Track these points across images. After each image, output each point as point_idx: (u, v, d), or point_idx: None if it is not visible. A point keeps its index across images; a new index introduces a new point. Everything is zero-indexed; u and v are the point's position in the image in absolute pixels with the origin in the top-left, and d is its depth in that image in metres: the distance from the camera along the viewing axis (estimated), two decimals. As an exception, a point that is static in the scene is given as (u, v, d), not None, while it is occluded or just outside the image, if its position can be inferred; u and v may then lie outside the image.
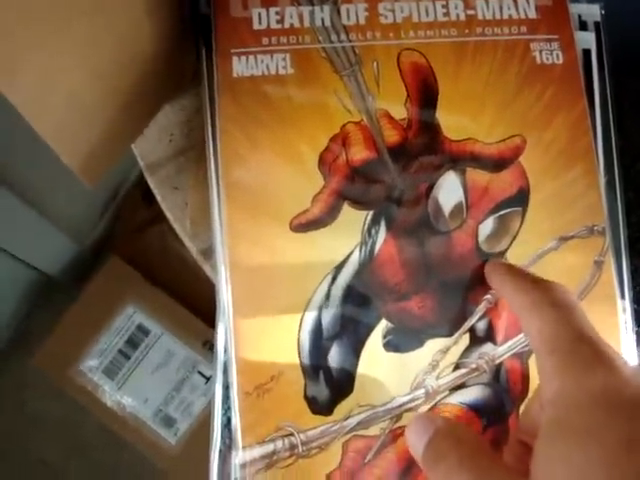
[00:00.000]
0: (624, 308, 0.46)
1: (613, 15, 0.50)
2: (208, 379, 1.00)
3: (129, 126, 0.50)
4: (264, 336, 0.44)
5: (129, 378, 1.02)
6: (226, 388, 0.44)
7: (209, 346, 0.99)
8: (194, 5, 0.49)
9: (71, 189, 0.87)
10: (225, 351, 0.44)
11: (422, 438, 0.34)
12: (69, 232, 1.04)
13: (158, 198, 0.54)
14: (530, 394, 0.44)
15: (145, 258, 1.02)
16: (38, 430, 1.08)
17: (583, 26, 0.50)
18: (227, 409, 0.44)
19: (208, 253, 0.52)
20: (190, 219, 0.52)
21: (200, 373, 1.01)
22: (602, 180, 0.48)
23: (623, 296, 0.46)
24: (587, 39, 0.50)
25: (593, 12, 0.51)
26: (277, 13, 0.47)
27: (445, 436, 0.34)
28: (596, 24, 0.50)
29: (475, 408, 0.44)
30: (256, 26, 0.47)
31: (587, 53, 0.50)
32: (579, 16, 0.50)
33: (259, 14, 0.47)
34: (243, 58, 0.46)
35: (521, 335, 0.45)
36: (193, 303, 1.00)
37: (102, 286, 1.02)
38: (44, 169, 0.82)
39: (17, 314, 1.08)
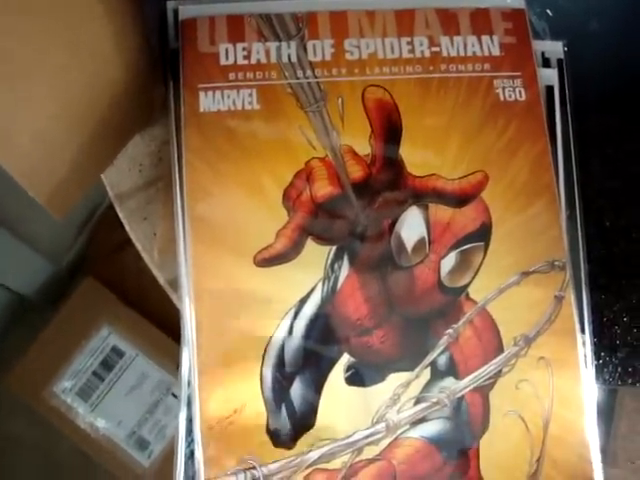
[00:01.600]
0: (584, 342, 0.47)
1: (576, 52, 0.51)
2: (182, 401, 1.00)
3: (98, 158, 0.51)
4: (227, 369, 0.44)
5: (103, 400, 1.01)
6: (189, 421, 0.44)
7: (183, 368, 0.99)
8: (163, 38, 0.49)
9: (44, 211, 0.87)
10: (189, 384, 0.45)
11: None
12: (44, 253, 1.04)
13: (127, 228, 0.54)
14: (490, 428, 0.45)
15: (120, 280, 1.02)
16: (11, 451, 1.08)
17: (546, 63, 0.51)
18: (190, 442, 0.44)
19: (175, 283, 0.52)
20: (158, 249, 0.53)
21: (174, 395, 1.00)
22: (563, 215, 0.48)
23: (583, 330, 0.47)
24: (550, 76, 0.51)
25: (556, 49, 0.51)
26: (244, 49, 0.48)
27: None
28: (559, 61, 0.51)
29: (435, 442, 0.44)
30: (223, 61, 0.47)
31: (550, 90, 0.51)
32: (542, 53, 0.51)
33: (226, 49, 0.47)
34: (210, 93, 0.47)
35: (482, 369, 0.45)
36: (168, 325, 0.99)
37: (77, 307, 1.02)
38: (18, 192, 0.82)
39: (-9, 335, 1.07)
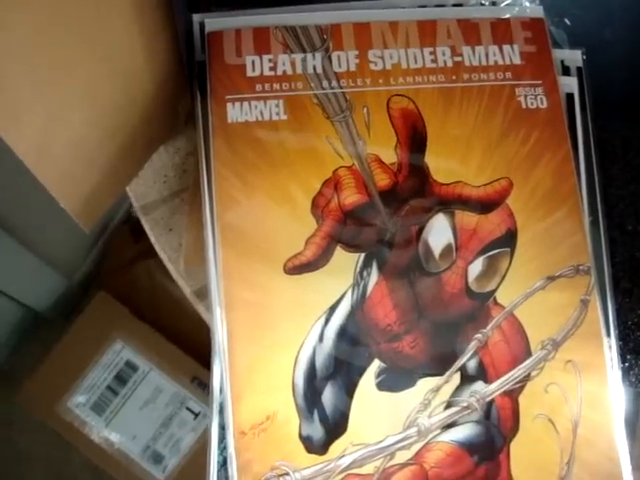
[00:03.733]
0: (610, 345, 0.47)
1: (594, 60, 0.52)
2: (197, 415, 1.00)
3: (126, 169, 0.51)
4: (259, 376, 0.45)
5: (117, 414, 1.01)
6: (222, 428, 0.45)
7: (197, 382, 0.99)
8: (190, 51, 0.50)
9: (60, 225, 0.87)
10: (221, 391, 0.45)
11: None
12: (58, 268, 1.04)
13: (152, 239, 0.54)
14: (520, 431, 0.45)
15: (133, 294, 1.02)
16: (25, 466, 1.08)
17: (566, 71, 0.52)
18: (223, 449, 0.45)
19: (202, 294, 0.52)
20: (184, 260, 0.53)
21: (188, 409, 1.00)
22: (587, 220, 0.49)
23: (609, 334, 0.48)
24: (570, 84, 0.52)
25: (575, 58, 0.52)
26: (270, 60, 0.48)
27: None
28: (578, 69, 0.52)
29: (466, 446, 0.45)
30: (250, 73, 0.48)
31: (570, 97, 0.51)
32: (562, 62, 0.52)
33: (252, 61, 0.48)
34: (237, 104, 0.47)
35: (511, 373, 0.46)
36: (181, 339, 1.00)
37: (90, 322, 1.02)
38: (34, 207, 0.82)
39: (5, 350, 1.07)
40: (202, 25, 0.50)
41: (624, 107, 0.54)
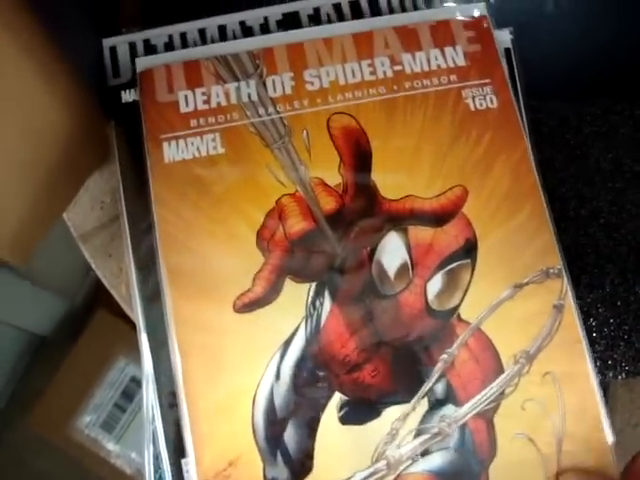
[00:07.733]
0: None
1: (524, 39, 0.49)
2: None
3: (55, 201, 0.51)
4: (218, 421, 0.43)
5: (127, 431, 1.01)
6: (156, 458, 0.44)
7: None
8: (102, 78, 0.49)
9: (54, 249, 0.87)
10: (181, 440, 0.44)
11: None
12: (59, 291, 1.04)
13: (93, 266, 0.54)
14: (499, 454, 0.43)
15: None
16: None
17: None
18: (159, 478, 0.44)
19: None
20: (125, 285, 0.53)
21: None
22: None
23: (590, 338, 0.45)
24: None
25: (503, 38, 0.50)
26: (203, 93, 0.47)
27: None
28: (507, 50, 0.50)
29: (441, 474, 0.43)
30: (183, 109, 0.46)
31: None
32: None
33: (185, 96, 0.46)
34: (173, 143, 0.46)
35: (483, 392, 0.44)
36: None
37: (92, 341, 1.02)
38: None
39: (13, 377, 1.08)
40: (113, 49, 0.49)
41: (561, 85, 0.51)
